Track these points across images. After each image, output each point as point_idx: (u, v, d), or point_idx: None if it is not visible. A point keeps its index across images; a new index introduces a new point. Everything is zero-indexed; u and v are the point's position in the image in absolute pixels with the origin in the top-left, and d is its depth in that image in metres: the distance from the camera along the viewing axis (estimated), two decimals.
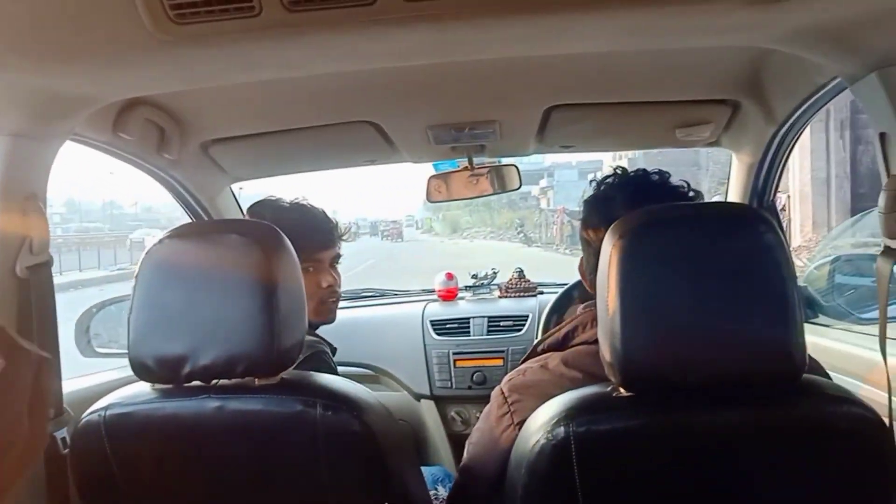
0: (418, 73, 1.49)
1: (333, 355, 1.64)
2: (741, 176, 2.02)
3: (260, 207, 1.65)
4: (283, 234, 1.06)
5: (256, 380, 1.03)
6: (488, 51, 1.17)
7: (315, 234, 1.62)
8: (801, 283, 2.16)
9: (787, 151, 1.91)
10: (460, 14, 0.95)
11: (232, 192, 2.25)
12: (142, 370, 1.04)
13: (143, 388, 1.07)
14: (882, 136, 1.14)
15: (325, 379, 1.11)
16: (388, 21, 0.95)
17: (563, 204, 20.49)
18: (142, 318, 1.04)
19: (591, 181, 1.30)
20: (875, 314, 1.21)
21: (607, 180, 1.25)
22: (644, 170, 1.25)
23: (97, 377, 1.66)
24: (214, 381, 1.04)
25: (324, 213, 1.69)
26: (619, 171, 1.26)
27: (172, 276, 1.03)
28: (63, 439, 1.21)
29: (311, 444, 1.00)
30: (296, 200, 1.67)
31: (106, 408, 1.05)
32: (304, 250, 1.56)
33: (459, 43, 1.09)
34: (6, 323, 1.18)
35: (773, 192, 2.04)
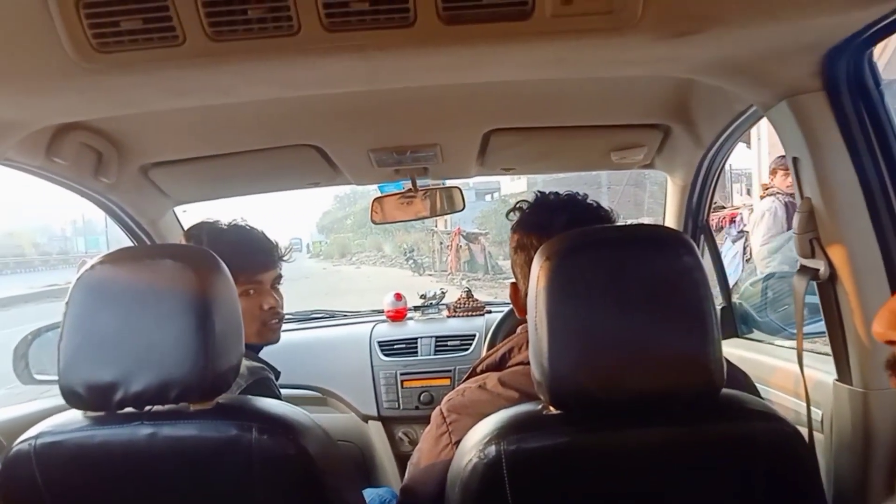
0: (359, 98, 1.50)
1: (277, 379, 1.63)
2: (675, 197, 2.10)
3: (197, 230, 1.63)
4: (217, 258, 1.06)
5: (191, 405, 1.02)
6: (413, 79, 1.20)
7: (255, 256, 1.61)
8: (735, 299, 2.24)
9: (717, 174, 2.00)
10: (382, 45, 0.98)
11: (175, 215, 2.22)
12: (73, 397, 1.02)
13: (74, 416, 1.05)
14: (795, 160, 1.21)
15: (262, 403, 1.10)
16: (311, 50, 0.97)
17: (460, 225, 17.86)
18: (72, 345, 1.02)
19: (516, 208, 1.30)
20: (807, 329, 1.27)
21: (541, 204, 1.27)
22: (576, 194, 1.28)
23: (31, 405, 1.62)
24: (148, 408, 1.02)
25: (263, 234, 1.68)
26: (552, 196, 1.28)
27: (104, 301, 1.01)
28: None
29: (247, 469, 0.99)
30: (234, 222, 1.65)
31: (36, 436, 1.02)
32: (243, 272, 1.55)
33: (384, 72, 1.11)
34: None
35: (706, 212, 2.12)
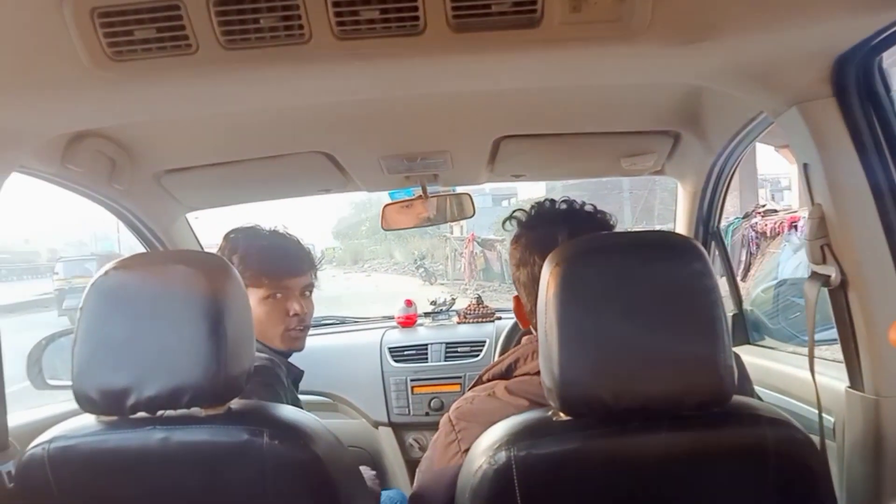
0: (370, 105, 1.51)
1: (299, 380, 1.67)
2: (686, 204, 2.10)
3: (235, 233, 1.66)
4: (229, 265, 1.07)
5: (203, 410, 1.03)
6: (423, 87, 1.21)
7: (284, 261, 1.64)
8: (746, 306, 2.23)
9: (728, 180, 1.99)
10: (392, 53, 0.99)
11: (187, 221, 2.24)
12: (86, 402, 1.03)
13: (87, 421, 1.06)
14: (805, 166, 1.21)
15: (273, 408, 1.11)
16: (322, 58, 0.98)
17: (474, 231, 16.61)
18: (86, 350, 1.03)
19: (513, 216, 1.29)
20: (818, 336, 1.26)
21: (541, 217, 1.26)
22: (583, 203, 1.27)
23: (44, 410, 1.64)
24: (160, 412, 1.03)
25: (298, 241, 1.71)
26: (547, 204, 1.27)
27: (118, 307, 1.03)
28: (8, 473, 1.19)
29: (260, 473, 0.99)
30: (274, 228, 1.68)
31: (50, 441, 1.03)
32: (271, 276, 1.60)
33: (394, 80, 1.13)
34: None
35: (717, 218, 2.11)
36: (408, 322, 2.74)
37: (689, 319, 0.92)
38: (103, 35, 0.94)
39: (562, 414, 0.94)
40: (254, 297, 1.61)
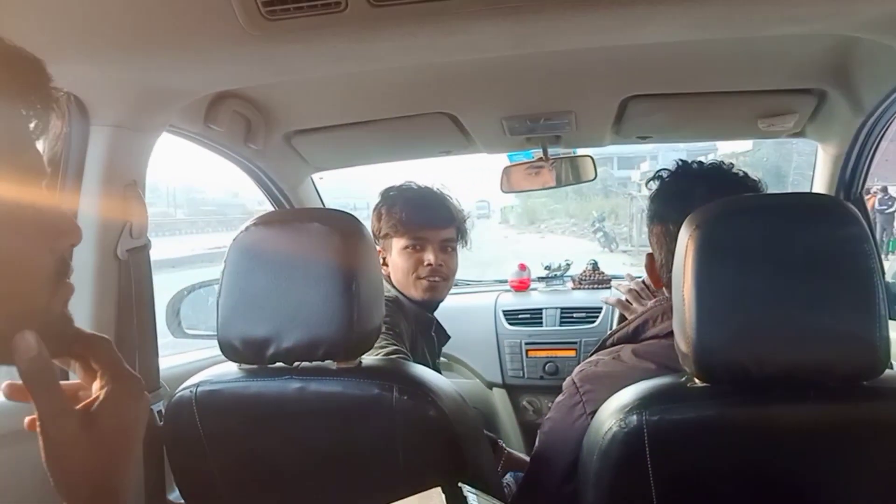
0: (494, 65, 1.50)
1: (444, 343, 1.83)
2: (827, 168, 1.95)
3: (390, 188, 1.76)
4: (361, 223, 1.10)
5: (336, 363, 1.08)
6: (565, 42, 1.17)
7: (423, 212, 1.70)
8: (889, 278, 2.06)
9: (877, 142, 1.83)
10: (538, 6, 0.97)
11: (312, 181, 2.32)
12: (229, 351, 1.10)
13: (230, 368, 1.13)
14: None
15: (402, 365, 1.14)
16: (467, 14, 0.98)
17: None
18: (229, 302, 1.10)
19: (655, 176, 1.26)
20: None
21: (680, 173, 1.23)
22: (721, 163, 1.23)
23: (189, 356, 1.76)
24: (296, 364, 1.09)
25: (444, 196, 1.76)
26: (695, 165, 1.24)
27: (257, 262, 1.08)
28: (159, 412, 1.30)
29: (389, 426, 1.03)
30: (426, 185, 1.76)
31: (197, 385, 1.11)
32: (408, 225, 1.68)
33: (537, 35, 1.10)
34: (107, 301, 1.27)
35: (861, 184, 1.95)
36: (521, 286, 2.73)
37: (842, 285, 0.86)
38: None
39: (697, 380, 0.91)
40: (396, 246, 1.69)
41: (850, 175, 1.92)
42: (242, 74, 1.30)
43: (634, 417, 0.89)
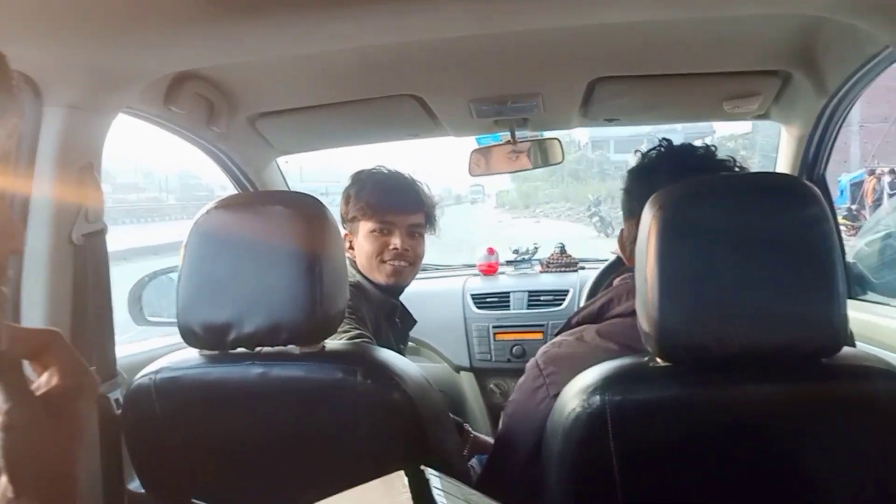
0: (461, 46, 1.48)
1: (410, 328, 1.82)
2: (790, 149, 1.98)
3: (360, 172, 1.75)
4: (324, 206, 1.08)
5: (299, 348, 1.06)
6: (532, 21, 1.16)
7: (390, 195, 1.68)
8: (850, 259, 2.11)
9: (839, 124, 1.86)
10: None
11: (277, 165, 2.29)
12: (190, 336, 1.08)
13: (191, 354, 1.11)
14: None
15: (367, 349, 1.13)
16: None
17: None
18: (190, 287, 1.07)
19: (635, 151, 1.28)
20: None
21: (651, 152, 1.24)
22: (690, 144, 1.23)
23: (147, 343, 1.73)
24: (258, 349, 1.07)
25: (413, 181, 1.75)
26: (664, 143, 1.24)
27: (219, 245, 1.06)
28: (116, 400, 1.27)
29: (352, 411, 1.02)
30: (396, 170, 1.74)
31: (157, 371, 1.09)
32: (375, 208, 1.66)
33: (503, 14, 1.09)
34: (62, 288, 1.24)
35: (823, 165, 1.98)
36: (489, 270, 2.74)
37: (802, 264, 0.87)
38: None
39: (659, 360, 0.92)
40: (363, 229, 1.68)
41: (813, 156, 1.94)
42: (201, 54, 1.27)
43: (597, 398, 0.90)
